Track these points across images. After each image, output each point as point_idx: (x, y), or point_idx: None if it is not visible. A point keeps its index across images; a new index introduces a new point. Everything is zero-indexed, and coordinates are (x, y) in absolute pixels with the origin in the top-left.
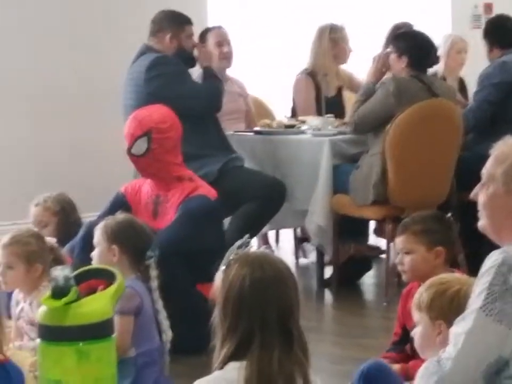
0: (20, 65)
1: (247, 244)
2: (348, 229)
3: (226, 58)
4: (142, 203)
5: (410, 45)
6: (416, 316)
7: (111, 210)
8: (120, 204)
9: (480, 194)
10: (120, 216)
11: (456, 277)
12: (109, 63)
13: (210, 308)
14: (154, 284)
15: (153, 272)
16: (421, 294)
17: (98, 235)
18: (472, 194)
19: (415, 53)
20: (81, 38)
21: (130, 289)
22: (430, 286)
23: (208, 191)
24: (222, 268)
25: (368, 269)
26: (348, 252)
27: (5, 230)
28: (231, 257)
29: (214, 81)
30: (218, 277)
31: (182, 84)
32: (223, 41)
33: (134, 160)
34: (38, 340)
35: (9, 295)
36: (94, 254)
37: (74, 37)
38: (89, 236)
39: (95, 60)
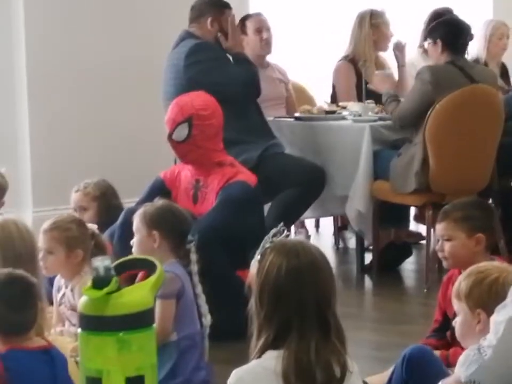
0: (64, 46)
1: (282, 232)
2: (388, 214)
3: (267, 44)
4: (182, 188)
5: (441, 29)
6: (456, 305)
7: (150, 195)
8: (159, 189)
9: None
10: (158, 202)
11: (495, 265)
12: (151, 48)
13: (248, 294)
14: (195, 268)
15: (193, 257)
16: (460, 283)
17: (137, 222)
18: None
19: (446, 35)
20: (125, 23)
21: (171, 274)
22: (469, 275)
23: (249, 177)
24: (257, 256)
25: (409, 255)
26: (388, 237)
27: (46, 216)
28: (266, 246)
29: (249, 67)
30: (254, 265)
31: (221, 70)
32: (262, 28)
33: (174, 145)
34: (79, 329)
35: (51, 280)
36: (134, 241)
37: (118, 21)
38: (128, 222)
39: (137, 45)
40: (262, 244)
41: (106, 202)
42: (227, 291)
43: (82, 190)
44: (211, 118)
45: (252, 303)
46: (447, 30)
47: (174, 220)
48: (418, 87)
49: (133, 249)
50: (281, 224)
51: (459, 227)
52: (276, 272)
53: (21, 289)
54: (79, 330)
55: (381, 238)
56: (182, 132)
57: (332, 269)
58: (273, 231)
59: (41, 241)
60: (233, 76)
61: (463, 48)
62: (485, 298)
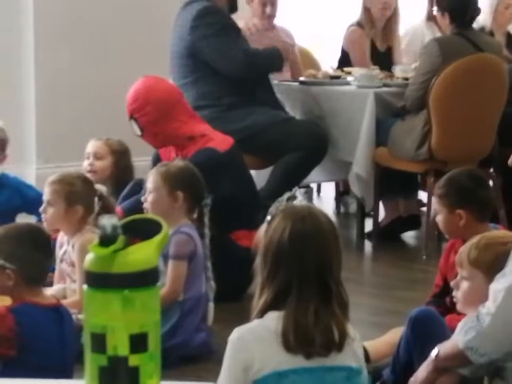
0: (73, 3)
1: (296, 197)
2: (396, 184)
3: (268, 19)
4: None
5: (449, 2)
6: (468, 271)
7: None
8: None
9: None
10: (178, 162)
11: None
12: (159, 10)
13: (244, 254)
14: (207, 230)
15: (207, 219)
16: (481, 251)
17: (157, 180)
18: (509, 162)
19: (453, 10)
20: None
21: (186, 235)
22: (491, 244)
23: (219, 143)
24: (268, 218)
25: (415, 227)
26: (395, 210)
27: (49, 173)
28: (279, 208)
29: (274, 56)
30: (263, 226)
31: (221, 41)
32: (266, 2)
33: (142, 138)
34: (85, 286)
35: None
36: (149, 199)
37: None
38: (133, 193)
39: (145, 6)
40: (274, 206)
41: (122, 160)
42: (218, 253)
43: (105, 140)
44: (144, 107)
45: (257, 262)
46: (454, 5)
47: (196, 182)
48: (427, 61)
49: (147, 207)
50: (296, 188)
51: (442, 202)
52: (280, 235)
53: (44, 236)
54: (85, 287)
55: (389, 211)
56: (135, 128)
57: (338, 237)
58: (287, 194)
59: (45, 193)
60: (232, 53)
61: (470, 21)
62: None
